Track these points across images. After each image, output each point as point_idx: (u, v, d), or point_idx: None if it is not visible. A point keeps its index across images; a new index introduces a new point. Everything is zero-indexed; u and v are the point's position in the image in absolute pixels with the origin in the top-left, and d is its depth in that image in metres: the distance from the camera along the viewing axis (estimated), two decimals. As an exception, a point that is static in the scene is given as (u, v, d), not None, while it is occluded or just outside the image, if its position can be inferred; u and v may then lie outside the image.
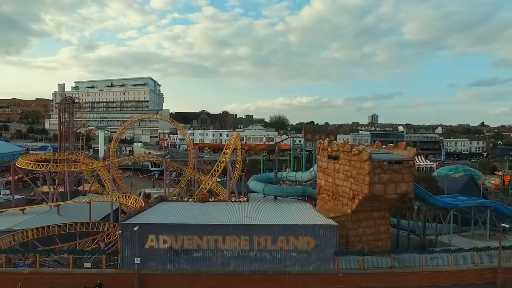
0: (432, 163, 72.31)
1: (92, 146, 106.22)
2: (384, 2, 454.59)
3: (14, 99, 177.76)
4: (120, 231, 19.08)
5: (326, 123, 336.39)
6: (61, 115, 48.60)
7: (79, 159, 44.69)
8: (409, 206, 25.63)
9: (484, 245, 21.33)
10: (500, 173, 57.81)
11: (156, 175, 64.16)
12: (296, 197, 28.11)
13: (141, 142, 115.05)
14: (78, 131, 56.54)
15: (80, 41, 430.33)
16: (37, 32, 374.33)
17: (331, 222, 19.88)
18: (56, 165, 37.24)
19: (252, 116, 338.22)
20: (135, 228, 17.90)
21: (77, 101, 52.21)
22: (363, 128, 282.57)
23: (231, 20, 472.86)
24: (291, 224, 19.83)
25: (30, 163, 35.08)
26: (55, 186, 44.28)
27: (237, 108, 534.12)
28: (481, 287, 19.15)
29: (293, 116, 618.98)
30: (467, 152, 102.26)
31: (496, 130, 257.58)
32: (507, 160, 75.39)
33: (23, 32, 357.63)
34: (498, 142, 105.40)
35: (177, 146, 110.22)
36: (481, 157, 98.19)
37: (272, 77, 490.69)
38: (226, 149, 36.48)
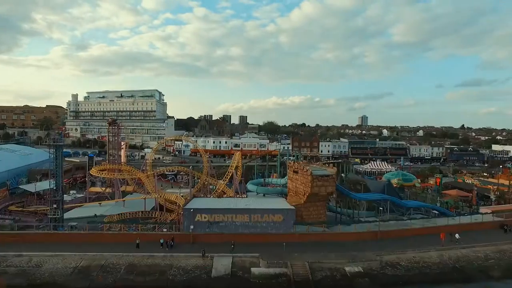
0: (392, 167, 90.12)
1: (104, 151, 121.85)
2: (372, 5, 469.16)
3: (26, 106, 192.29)
4: (182, 212, 36.33)
5: (317, 125, 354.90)
6: (109, 133, 64.11)
7: (122, 168, 61.47)
8: (341, 199, 43.37)
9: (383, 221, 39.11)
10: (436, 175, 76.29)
11: (171, 178, 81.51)
12: (276, 195, 45.63)
13: (150, 148, 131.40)
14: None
15: (71, 40, 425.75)
16: (28, 31, 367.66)
17: (292, 207, 37.41)
18: (121, 173, 53.72)
19: (246, 117, 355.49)
20: (191, 210, 35.21)
21: (119, 124, 68.13)
22: (350, 131, 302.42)
23: (223, 21, 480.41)
24: (271, 208, 37.31)
25: (101, 172, 51.80)
26: (105, 188, 61.10)
27: (230, 108, 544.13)
28: (369, 241, 36.67)
29: (286, 116, 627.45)
30: (429, 157, 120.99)
31: (473, 133, 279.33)
32: (451, 166, 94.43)
33: (14, 31, 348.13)
34: (455, 148, 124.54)
35: (182, 151, 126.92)
36: (440, 161, 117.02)
37: (264, 77, 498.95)
38: (232, 162, 53.57)
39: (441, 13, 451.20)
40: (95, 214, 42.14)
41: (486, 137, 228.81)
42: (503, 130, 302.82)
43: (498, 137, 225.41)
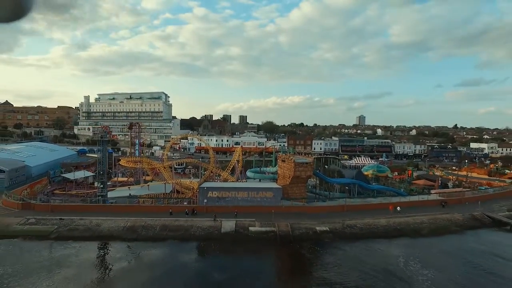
0: (374, 162, 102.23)
1: (121, 149, 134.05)
2: (370, 5, 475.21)
3: (40, 107, 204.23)
4: (198, 190, 48.65)
5: (315, 124, 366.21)
6: (132, 132, 76.35)
7: (142, 160, 73.67)
8: (321, 184, 55.71)
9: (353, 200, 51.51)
10: (408, 168, 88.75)
11: (180, 171, 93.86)
12: (269, 180, 57.91)
13: (158, 146, 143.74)
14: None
15: (72, 40, 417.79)
16: (28, 31, 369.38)
17: (280, 187, 49.74)
18: (143, 164, 66.00)
19: (246, 117, 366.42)
20: (205, 188, 47.54)
21: (140, 125, 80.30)
22: (346, 130, 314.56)
23: (222, 21, 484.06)
24: (264, 187, 49.66)
25: (128, 162, 64.03)
26: (127, 177, 73.34)
27: (230, 107, 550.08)
28: (338, 212, 48.89)
29: (287, 116, 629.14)
30: (412, 154, 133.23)
31: (464, 133, 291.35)
32: (426, 161, 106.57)
33: (14, 31, 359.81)
34: (435, 146, 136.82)
35: (187, 149, 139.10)
36: (421, 157, 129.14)
37: (264, 76, 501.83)
38: (234, 156, 65.89)
39: (437, 14, 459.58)
40: (130, 194, 54.25)
41: (475, 136, 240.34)
42: (496, 129, 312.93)
43: (485, 136, 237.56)
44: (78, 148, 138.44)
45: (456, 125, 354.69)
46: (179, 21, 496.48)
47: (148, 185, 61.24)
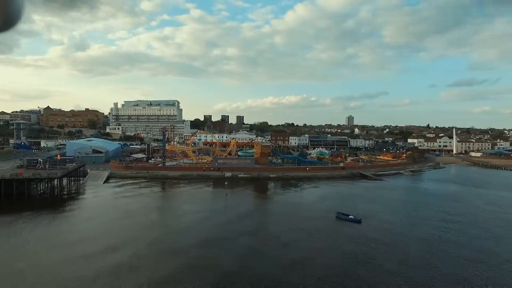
0: (328, 151, 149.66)
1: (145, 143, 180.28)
2: (362, 7, 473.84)
3: (72, 111, 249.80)
4: (212, 160, 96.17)
5: (305, 124, 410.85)
6: (167, 131, 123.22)
7: (178, 148, 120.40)
8: (281, 156, 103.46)
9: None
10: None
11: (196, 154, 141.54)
12: (249, 156, 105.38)
13: (174, 141, 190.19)
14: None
15: (70, 41, 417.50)
16: (26, 32, 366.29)
17: (253, 158, 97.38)
18: (178, 148, 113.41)
19: (243, 117, 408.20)
20: (216, 157, 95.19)
21: (172, 127, 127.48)
22: (329, 130, 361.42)
23: (218, 22, 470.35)
24: (245, 158, 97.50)
25: (177, 149, 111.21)
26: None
27: (228, 107, 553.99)
28: (283, 171, 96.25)
29: (283, 115, 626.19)
30: (363, 147, 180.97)
31: (432, 132, 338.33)
32: (362, 151, 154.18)
33: (13, 31, 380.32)
34: (379, 141, 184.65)
35: (196, 143, 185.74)
36: (368, 149, 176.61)
37: (260, 76, 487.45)
38: (231, 145, 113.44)
39: (427, 16, 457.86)
40: (176, 163, 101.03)
41: (442, 134, 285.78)
42: (469, 128, 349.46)
43: (440, 134, 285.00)
44: (116, 143, 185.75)
45: (428, 124, 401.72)
46: (176, 23, 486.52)
47: (182, 159, 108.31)
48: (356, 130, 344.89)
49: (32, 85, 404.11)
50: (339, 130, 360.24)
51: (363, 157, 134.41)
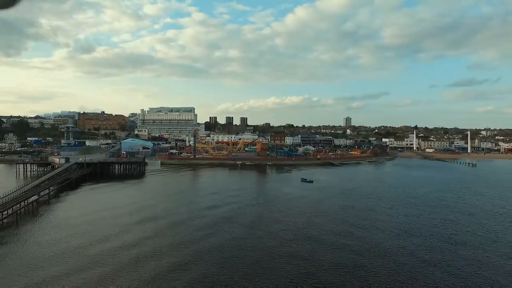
0: (313, 148, 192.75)
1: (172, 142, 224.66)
2: (361, 10, 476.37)
3: (104, 115, 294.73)
4: (228, 152, 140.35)
5: (303, 125, 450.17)
6: (195, 135, 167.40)
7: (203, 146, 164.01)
8: (275, 151, 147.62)
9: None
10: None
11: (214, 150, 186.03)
12: (253, 150, 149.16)
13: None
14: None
15: (76, 44, 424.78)
16: (33, 35, 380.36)
17: (256, 152, 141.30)
18: (203, 145, 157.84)
19: (246, 118, 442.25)
20: (231, 151, 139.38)
21: (196, 129, 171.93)
22: (324, 130, 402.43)
23: (220, 25, 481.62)
24: (250, 151, 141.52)
25: (201, 146, 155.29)
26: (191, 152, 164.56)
27: (230, 108, 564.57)
28: (277, 161, 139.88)
29: (286, 116, 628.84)
30: (345, 145, 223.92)
31: (420, 132, 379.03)
32: (344, 148, 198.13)
33: (20, 35, 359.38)
34: (358, 140, 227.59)
35: (211, 142, 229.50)
36: (348, 147, 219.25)
37: (262, 77, 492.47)
38: (239, 144, 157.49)
39: (425, 17, 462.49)
40: (202, 155, 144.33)
41: (422, 134, 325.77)
42: (455, 128, 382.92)
43: (421, 134, 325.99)
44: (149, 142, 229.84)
45: (416, 125, 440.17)
46: (178, 26, 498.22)
47: (206, 153, 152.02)
48: (348, 131, 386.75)
49: (37, 87, 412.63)
50: (332, 131, 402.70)
51: (339, 152, 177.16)
